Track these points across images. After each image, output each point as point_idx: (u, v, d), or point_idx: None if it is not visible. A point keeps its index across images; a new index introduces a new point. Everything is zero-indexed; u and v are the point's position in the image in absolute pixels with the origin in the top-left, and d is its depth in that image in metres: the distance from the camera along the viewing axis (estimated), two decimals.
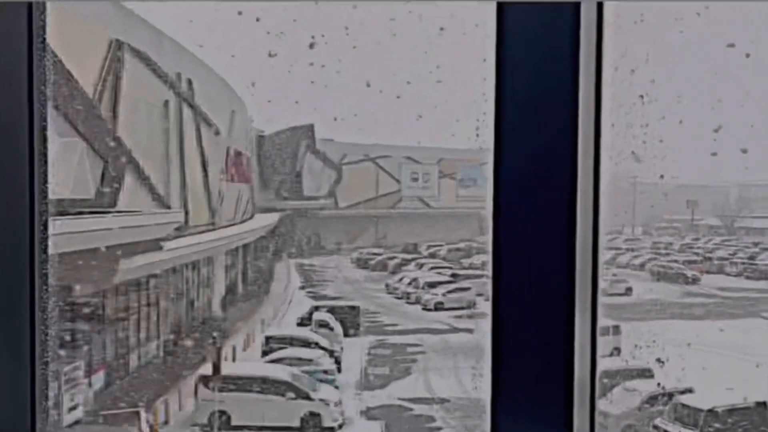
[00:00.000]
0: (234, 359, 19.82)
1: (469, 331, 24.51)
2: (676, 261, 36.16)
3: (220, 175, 22.42)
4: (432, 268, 33.60)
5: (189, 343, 19.38)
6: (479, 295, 29.19)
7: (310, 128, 30.89)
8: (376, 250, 37.02)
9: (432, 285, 29.22)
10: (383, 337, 23.60)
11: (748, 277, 32.98)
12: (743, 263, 35.34)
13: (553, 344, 1.29)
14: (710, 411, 14.35)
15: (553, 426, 1.32)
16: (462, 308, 27.47)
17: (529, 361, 1.33)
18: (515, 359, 1.33)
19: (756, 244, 41.52)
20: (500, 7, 1.34)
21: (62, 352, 14.65)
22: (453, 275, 31.23)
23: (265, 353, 19.63)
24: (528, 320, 1.31)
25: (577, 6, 1.28)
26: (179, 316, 20.43)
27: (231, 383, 16.31)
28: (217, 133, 21.60)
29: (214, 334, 19.03)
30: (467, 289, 28.97)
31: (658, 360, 17.88)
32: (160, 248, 16.50)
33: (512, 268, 1.31)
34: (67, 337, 14.91)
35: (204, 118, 20.78)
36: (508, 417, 1.33)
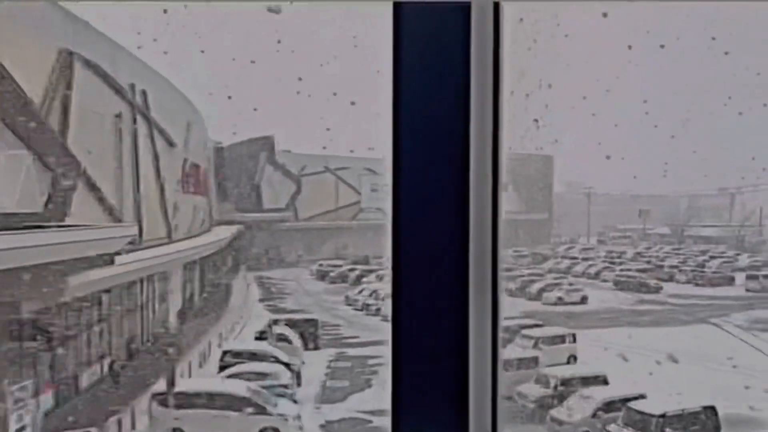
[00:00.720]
0: (190, 375, 19.45)
1: None
2: (629, 269, 37.08)
3: (176, 187, 22.10)
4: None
5: (143, 359, 18.95)
6: None
7: (269, 139, 30.74)
8: (336, 262, 36.90)
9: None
10: (343, 349, 23.49)
11: (696, 285, 34.03)
12: (692, 271, 36.44)
13: (448, 350, 1.32)
14: (661, 416, 14.73)
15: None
16: None
17: (425, 369, 1.35)
18: (413, 366, 1.35)
19: (704, 252, 42.93)
20: (396, 8, 1.38)
21: (8, 372, 14.13)
22: None
23: (222, 368, 19.33)
24: (425, 327, 1.34)
25: (468, 7, 1.32)
26: (133, 332, 19.97)
27: (187, 400, 16.00)
28: (172, 144, 21.32)
29: (169, 349, 18.66)
30: None
31: (612, 366, 18.32)
32: (112, 263, 16.13)
33: (410, 273, 1.33)
34: (14, 356, 14.40)
35: (159, 130, 20.48)
36: (408, 420, 1.35)
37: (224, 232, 26.66)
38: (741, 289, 33.42)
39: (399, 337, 1.30)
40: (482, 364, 1.31)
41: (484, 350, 1.31)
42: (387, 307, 28.53)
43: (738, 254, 42.97)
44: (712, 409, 15.07)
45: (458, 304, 1.26)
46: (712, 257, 41.29)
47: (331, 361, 21.82)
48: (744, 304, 29.80)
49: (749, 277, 34.52)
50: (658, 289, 32.74)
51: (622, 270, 36.81)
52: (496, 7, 1.36)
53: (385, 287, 31.59)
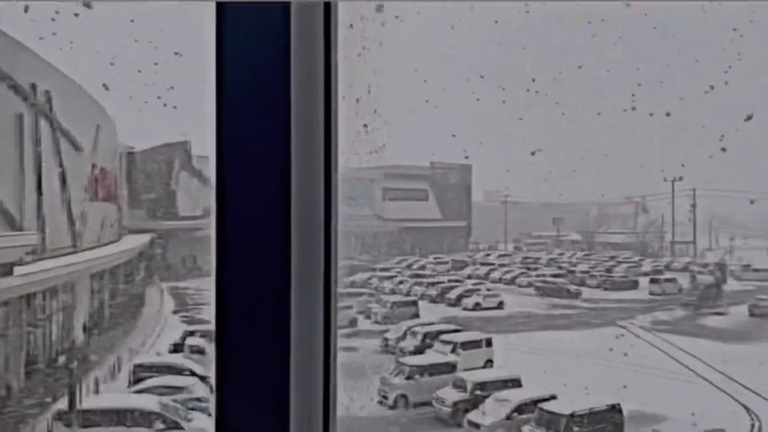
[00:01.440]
0: (97, 391, 18.48)
1: (352, 350, 24.54)
2: (544, 275, 38.46)
3: (82, 194, 21.01)
4: None
5: (45, 375, 17.83)
6: (360, 313, 29.41)
7: (185, 145, 29.82)
8: None
9: None
10: None
11: (605, 289, 35.74)
12: (601, 276, 38.28)
13: (271, 356, 1.29)
14: (571, 416, 15.29)
15: None
16: (344, 327, 27.49)
17: (248, 377, 1.31)
18: (236, 374, 1.31)
19: (612, 258, 45.22)
20: (219, 7, 1.35)
21: None
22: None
23: (133, 383, 18.49)
24: (248, 335, 1.30)
25: (287, 7, 1.31)
26: (33, 347, 18.76)
27: (92, 417, 15.18)
28: (78, 148, 20.27)
29: (74, 365, 17.67)
30: (348, 307, 29.05)
31: (525, 369, 18.89)
32: (11, 273, 15.11)
33: (234, 278, 1.29)
34: None
35: (64, 133, 19.43)
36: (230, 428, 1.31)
37: (136, 241, 25.58)
38: (645, 293, 35.42)
39: (223, 345, 1.25)
40: (311, 371, 1.28)
41: (312, 357, 1.28)
42: None
43: (642, 259, 45.54)
44: (617, 408, 15.83)
45: (281, 313, 1.23)
46: (619, 262, 43.54)
47: None
48: (647, 307, 31.57)
49: (652, 281, 36.65)
50: (577, 295, 34.17)
51: (537, 275, 38.19)
52: (327, 8, 1.35)
53: None
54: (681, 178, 42.99)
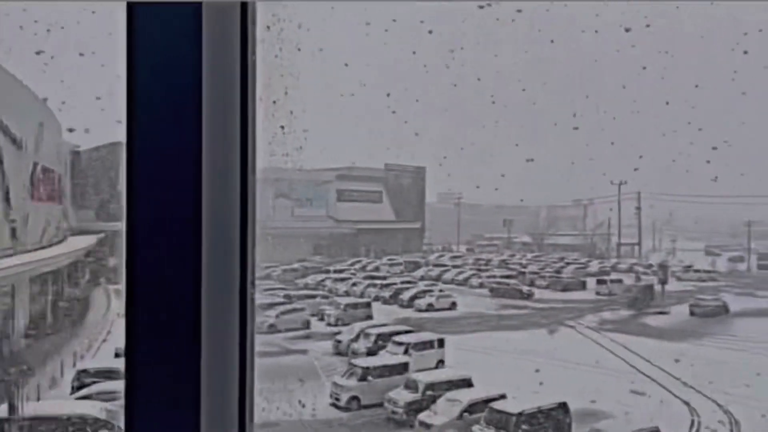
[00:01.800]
0: (38, 398, 17.81)
1: (303, 352, 24.38)
2: (495, 276, 39.05)
3: (23, 194, 20.21)
4: (266, 290, 33.04)
5: None
6: (313, 315, 29.26)
7: None
8: None
9: (265, 307, 28.66)
10: None
11: (554, 290, 36.55)
12: (550, 277, 39.12)
13: (180, 357, 1.29)
14: (519, 414, 15.55)
15: None
16: (295, 329, 27.29)
17: (159, 376, 1.30)
18: (147, 373, 1.30)
19: (561, 259, 46.28)
20: (130, 8, 1.34)
21: None
22: (286, 296, 30.98)
23: (78, 388, 17.89)
24: (160, 333, 1.29)
25: (199, 7, 1.31)
26: None
27: (31, 425, 14.62)
28: (18, 145, 19.49)
29: (11, 371, 16.98)
30: (301, 309, 28.90)
31: (476, 369, 19.14)
32: None
33: (144, 280, 1.28)
34: None
35: (3, 129, 18.66)
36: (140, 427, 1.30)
37: (81, 242, 24.76)
38: (592, 293, 36.39)
39: (133, 351, 1.24)
40: (225, 377, 1.28)
41: (226, 362, 1.27)
42: (260, 318, 27.86)
43: (589, 261, 46.76)
44: (564, 406, 16.19)
45: (191, 317, 1.22)
46: (567, 263, 44.59)
47: None
48: (594, 307, 32.43)
49: (599, 282, 37.68)
50: (529, 295, 34.81)
51: (488, 276, 38.75)
52: (244, 8, 1.34)
53: (260, 297, 31.00)
54: (626, 182, 44.45)
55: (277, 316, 27.53)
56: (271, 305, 28.68)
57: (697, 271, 41.74)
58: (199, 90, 1.30)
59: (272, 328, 26.96)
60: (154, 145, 1.30)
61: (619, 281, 37.60)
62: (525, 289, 35.66)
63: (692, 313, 30.16)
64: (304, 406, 18.68)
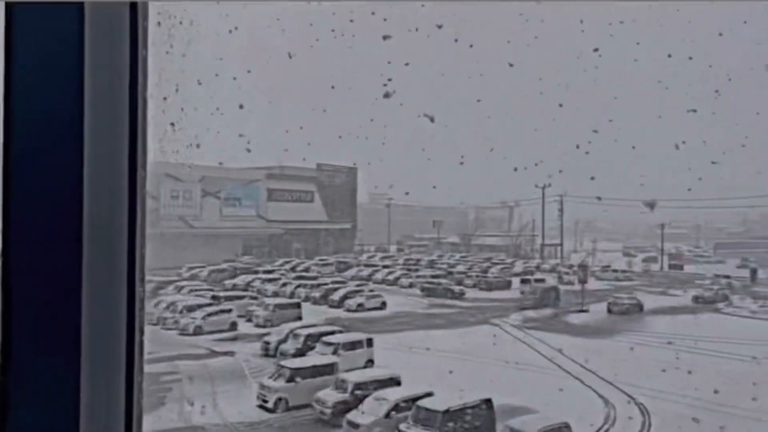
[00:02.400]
0: None
1: (230, 354, 23.91)
2: (424, 276, 39.59)
3: None
4: (191, 291, 32.20)
5: None
6: (241, 316, 28.73)
7: None
8: None
9: (191, 309, 27.91)
10: None
11: (481, 289, 37.41)
12: (477, 276, 40.02)
13: (61, 369, 1.27)
14: (446, 411, 15.81)
15: None
16: (222, 331, 26.74)
17: (38, 376, 1.28)
18: (25, 373, 1.28)
19: (487, 259, 47.47)
20: (8, 7, 1.33)
21: None
22: (214, 297, 30.31)
23: None
24: (36, 340, 1.27)
25: (81, 7, 1.31)
26: None
27: None
28: None
29: None
30: (229, 311, 28.32)
31: (404, 367, 19.34)
32: None
33: (23, 279, 1.26)
34: None
35: None
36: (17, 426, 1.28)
37: None
38: (517, 292, 37.49)
39: (10, 345, 1.21)
40: (109, 382, 1.27)
41: (110, 357, 1.26)
42: (186, 320, 27.07)
43: (515, 261, 48.21)
44: (488, 402, 16.59)
45: (72, 313, 1.21)
46: (494, 263, 45.80)
47: None
48: (519, 306, 33.41)
49: (523, 282, 38.86)
50: (461, 295, 35.41)
51: (417, 276, 39.24)
52: (134, 6, 1.34)
53: (185, 298, 30.17)
54: (550, 185, 46.12)
55: (203, 318, 26.88)
56: (198, 307, 28.00)
57: (614, 271, 43.82)
58: (81, 88, 1.28)
59: (199, 330, 26.33)
60: (33, 143, 1.27)
61: (542, 281, 38.93)
62: (457, 288, 36.30)
63: (610, 311, 31.58)
64: (230, 408, 18.34)
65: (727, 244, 60.68)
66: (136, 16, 1.36)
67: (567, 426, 15.13)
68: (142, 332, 1.33)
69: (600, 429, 17.00)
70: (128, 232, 1.30)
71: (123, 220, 1.29)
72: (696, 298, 34.33)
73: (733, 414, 16.76)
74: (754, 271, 40.91)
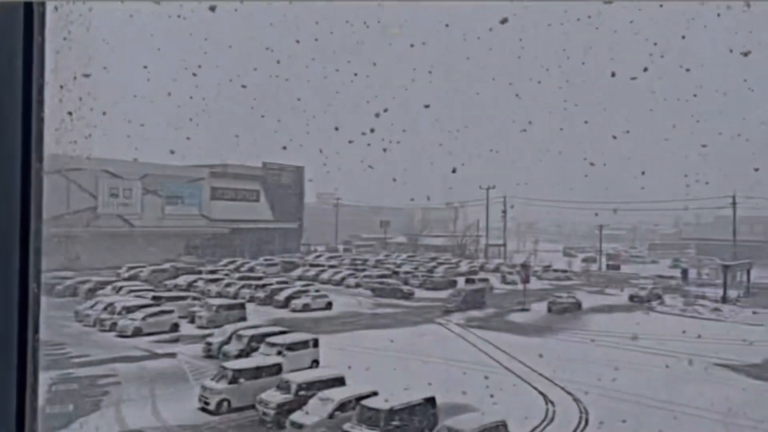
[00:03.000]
0: None
1: (172, 355, 23.35)
2: (371, 276, 39.67)
3: None
4: (131, 292, 31.28)
5: None
6: (182, 317, 28.08)
7: None
8: (66, 274, 33.05)
9: (130, 309, 27.12)
10: (70, 370, 21.07)
11: (426, 288, 37.78)
12: (423, 276, 40.40)
13: None
14: (390, 410, 15.86)
15: None
16: (163, 332, 26.09)
17: None
18: None
19: (433, 259, 48.02)
20: None
21: None
22: (155, 298, 29.52)
23: None
24: None
25: None
26: None
27: None
28: None
29: None
30: (170, 311, 27.63)
31: (350, 367, 19.32)
32: None
33: None
34: None
35: None
36: None
37: None
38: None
39: None
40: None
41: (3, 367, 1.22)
42: (124, 322, 26.24)
43: (460, 261, 48.93)
44: (431, 400, 16.75)
45: None
46: (439, 263, 46.35)
47: (51, 384, 19.43)
48: (443, 308, 33.81)
49: (467, 281, 39.46)
50: (410, 294, 35.52)
51: (365, 276, 39.25)
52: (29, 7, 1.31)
53: (124, 299, 29.26)
54: (494, 187, 47.03)
55: (143, 319, 26.16)
56: (138, 307, 27.22)
57: (555, 270, 45.07)
58: None
59: (138, 332, 25.60)
60: None
61: (486, 280, 39.64)
62: (406, 288, 36.44)
63: (550, 310, 32.43)
64: (170, 411, 17.92)
65: (661, 245, 63.37)
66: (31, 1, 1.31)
67: (504, 424, 15.43)
68: (36, 331, 1.30)
69: (539, 425, 17.43)
70: (21, 227, 1.24)
71: (14, 215, 1.23)
72: (632, 297, 35.66)
73: (656, 407, 17.48)
74: (685, 272, 42.77)
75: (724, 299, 34.62)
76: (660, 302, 34.99)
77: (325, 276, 40.65)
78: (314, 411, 16.79)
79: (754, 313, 30.64)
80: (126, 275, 36.61)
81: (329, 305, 32.68)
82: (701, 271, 43.97)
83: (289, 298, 32.38)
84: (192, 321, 28.10)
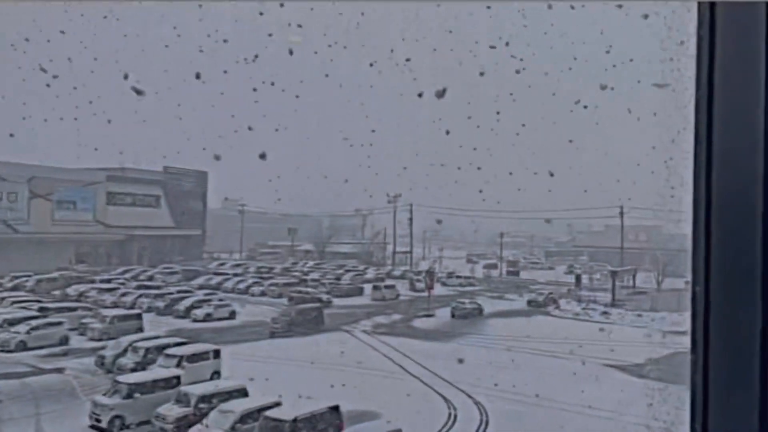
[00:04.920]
0: None
1: (60, 370, 21.89)
2: (277, 284, 39.02)
3: None
4: (15, 303, 29.03)
5: None
6: (73, 329, 26.38)
7: None
8: None
9: (12, 322, 25.20)
10: None
11: (334, 296, 37.59)
12: (330, 283, 40.23)
13: None
14: (293, 421, 15.65)
15: None
16: (51, 345, 24.41)
17: None
18: None
19: (341, 267, 47.98)
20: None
21: None
22: (41, 309, 27.55)
23: None
24: None
25: None
26: None
27: None
28: None
29: None
30: (59, 323, 25.90)
31: (252, 379, 18.89)
32: None
33: None
34: None
35: None
36: None
37: None
38: (368, 299, 38.23)
39: None
40: None
41: None
42: (7, 335, 24.35)
43: (367, 268, 49.20)
44: (336, 409, 16.68)
45: None
46: (347, 271, 46.36)
47: None
48: (369, 312, 34.05)
49: (374, 288, 39.72)
50: (329, 303, 35.03)
51: (270, 285, 38.55)
52: None
53: (6, 311, 27.13)
54: (401, 195, 47.76)
55: (28, 332, 24.33)
56: (23, 320, 25.31)
57: (458, 277, 46.29)
58: None
59: (22, 346, 23.79)
60: None
61: (392, 287, 40.08)
62: (324, 297, 35.92)
63: (453, 315, 33.23)
64: (57, 430, 16.79)
65: (557, 252, 66.72)
66: None
67: None
68: None
69: (442, 428, 17.78)
70: None
71: None
72: (530, 302, 37.21)
73: (552, 407, 18.34)
74: (578, 277, 45.19)
75: (613, 303, 36.88)
76: (556, 306, 36.74)
77: (229, 284, 39.62)
78: (215, 424, 16.29)
79: (638, 315, 32.84)
80: (9, 285, 34.04)
81: (233, 314, 31.87)
82: (593, 277, 46.61)
83: (190, 308, 31.26)
84: (83, 333, 26.50)
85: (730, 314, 1.21)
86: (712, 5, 1.23)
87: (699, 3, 1.26)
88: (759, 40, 1.17)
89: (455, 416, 18.74)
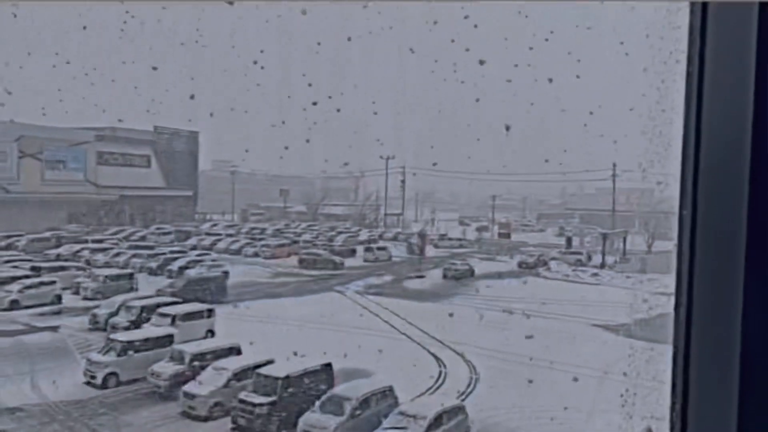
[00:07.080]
0: None
1: (54, 329, 22.06)
2: (268, 246, 39.10)
3: None
4: (7, 262, 29.02)
5: None
6: (66, 288, 26.47)
7: None
8: None
9: (5, 281, 25.24)
10: None
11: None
12: (323, 245, 40.36)
13: None
14: (285, 378, 15.89)
15: None
16: (44, 305, 24.51)
17: None
18: None
19: (333, 228, 48.06)
20: None
21: None
22: (33, 269, 27.58)
23: None
24: None
25: None
26: None
27: None
28: None
29: None
30: (52, 282, 25.98)
31: (247, 336, 19.11)
32: None
33: None
34: None
35: None
36: None
37: None
38: (360, 260, 38.47)
39: None
40: None
41: None
42: None
43: (360, 230, 49.31)
44: (328, 366, 16.94)
45: None
46: (339, 232, 46.45)
47: None
48: (362, 273, 34.33)
49: (366, 250, 39.92)
50: (341, 264, 35.15)
51: (263, 246, 38.62)
52: None
53: (7, 272, 27.13)
54: (394, 157, 47.51)
55: (20, 291, 24.40)
56: (14, 279, 25.34)
57: (450, 239, 46.53)
58: None
59: (15, 304, 23.89)
60: None
61: (385, 248, 40.30)
62: (338, 259, 36.06)
63: (445, 276, 33.54)
64: (52, 386, 16.99)
65: (548, 215, 67.03)
66: None
67: (390, 389, 15.91)
68: None
69: (433, 386, 18.13)
70: None
71: None
72: (520, 264, 37.55)
73: (542, 366, 18.70)
74: (569, 240, 45.53)
75: (602, 265, 37.27)
76: (546, 268, 37.11)
77: (221, 245, 39.69)
78: (209, 381, 16.52)
79: (627, 277, 33.24)
80: (1, 245, 33.98)
81: (226, 274, 32.04)
82: (583, 240, 46.97)
83: (182, 268, 31.38)
84: (77, 292, 26.61)
85: (714, 274, 1.24)
86: None
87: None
88: None
89: (445, 374, 19.09)
